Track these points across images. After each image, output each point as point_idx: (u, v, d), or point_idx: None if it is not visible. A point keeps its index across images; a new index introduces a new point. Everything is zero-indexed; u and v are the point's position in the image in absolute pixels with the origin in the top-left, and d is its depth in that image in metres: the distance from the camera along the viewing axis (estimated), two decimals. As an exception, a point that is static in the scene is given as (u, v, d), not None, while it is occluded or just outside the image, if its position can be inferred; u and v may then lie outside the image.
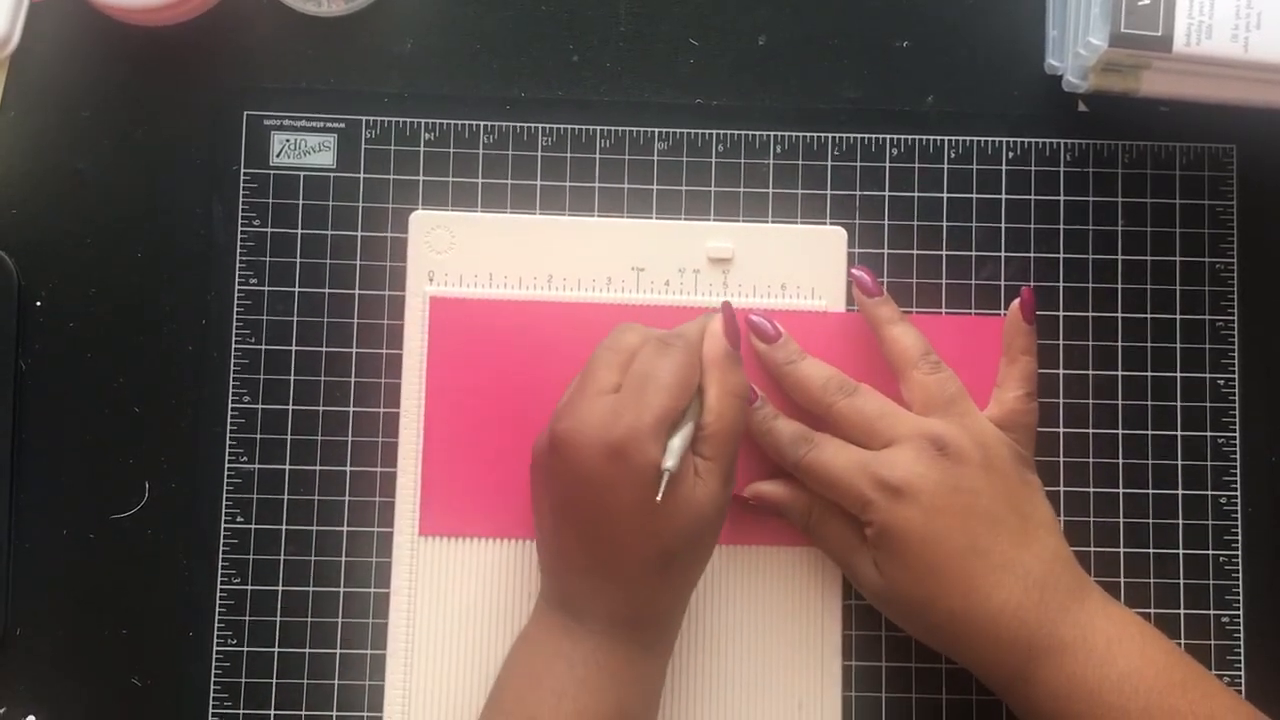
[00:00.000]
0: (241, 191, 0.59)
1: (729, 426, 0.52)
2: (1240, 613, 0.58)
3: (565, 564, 0.51)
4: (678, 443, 0.50)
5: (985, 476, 0.53)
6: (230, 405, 0.58)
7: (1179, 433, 0.59)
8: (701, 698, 0.57)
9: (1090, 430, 0.59)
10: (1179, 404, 0.59)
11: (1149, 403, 0.59)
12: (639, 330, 0.53)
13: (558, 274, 0.59)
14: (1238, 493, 0.59)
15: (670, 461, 0.49)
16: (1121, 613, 0.53)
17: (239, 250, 0.59)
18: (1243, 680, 0.58)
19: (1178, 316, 0.60)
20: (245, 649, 0.57)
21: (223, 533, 0.58)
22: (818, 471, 0.55)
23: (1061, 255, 0.60)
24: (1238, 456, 0.59)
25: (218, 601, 0.57)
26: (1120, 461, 0.59)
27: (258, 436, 0.58)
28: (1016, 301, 0.57)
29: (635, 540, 0.50)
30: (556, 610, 0.52)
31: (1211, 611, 0.58)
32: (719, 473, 0.51)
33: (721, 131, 0.60)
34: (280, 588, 0.57)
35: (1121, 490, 0.59)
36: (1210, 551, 0.59)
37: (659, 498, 0.48)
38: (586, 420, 0.50)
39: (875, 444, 0.54)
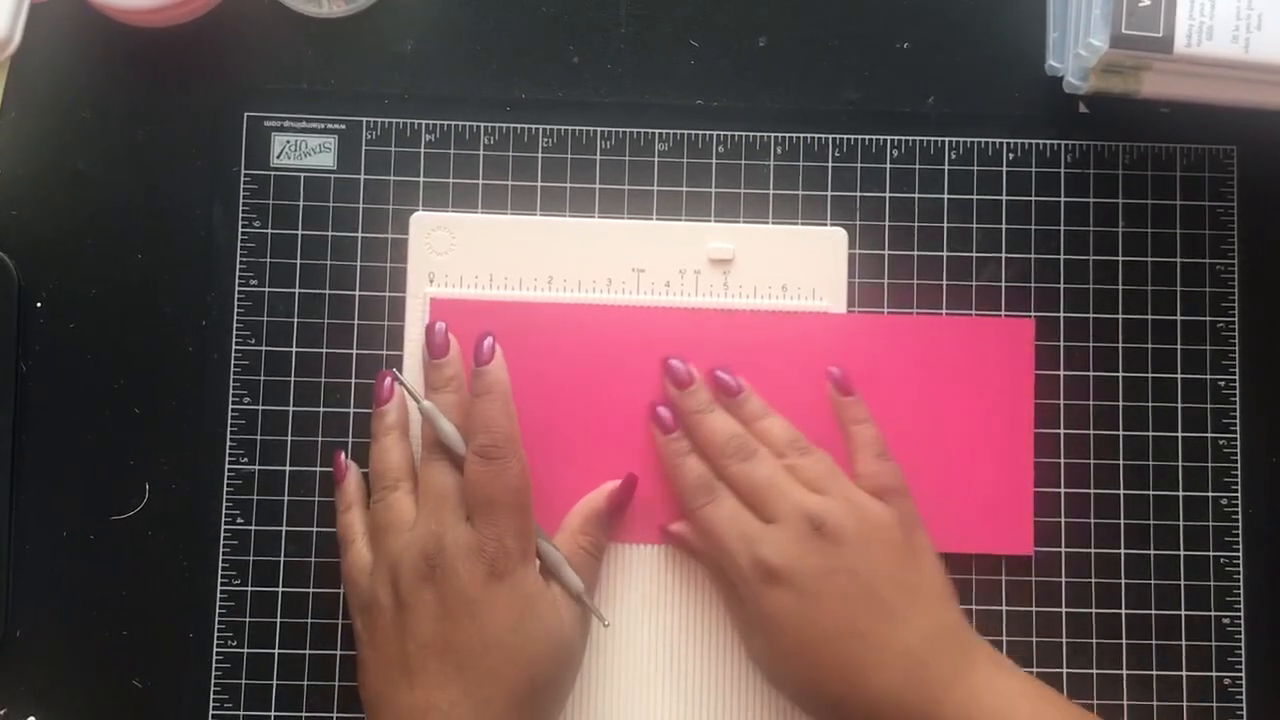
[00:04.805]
0: (242, 192, 0.59)
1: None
2: (1241, 614, 0.58)
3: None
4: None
5: (865, 552, 0.52)
6: (230, 406, 0.58)
7: (1179, 434, 0.59)
8: (700, 698, 0.57)
9: (1090, 432, 0.59)
10: (1179, 405, 0.59)
11: (1149, 404, 0.59)
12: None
13: (558, 275, 0.59)
14: (1238, 494, 0.59)
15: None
16: (1010, 683, 0.51)
17: (239, 251, 0.59)
18: (1243, 681, 0.58)
19: (1178, 318, 0.59)
20: (245, 650, 0.57)
21: (223, 534, 0.58)
22: (707, 531, 0.54)
23: (1062, 256, 0.60)
24: (1238, 458, 0.59)
25: (218, 603, 0.57)
26: (1121, 463, 0.59)
27: (258, 438, 0.58)
28: (831, 383, 0.57)
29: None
30: None
31: (1212, 613, 0.58)
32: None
33: (722, 133, 0.60)
34: (280, 589, 0.57)
35: (1122, 491, 0.59)
36: (1211, 553, 0.59)
37: None
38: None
39: (762, 515, 0.54)
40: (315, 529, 0.58)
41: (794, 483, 0.54)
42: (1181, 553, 0.58)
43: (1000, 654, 0.53)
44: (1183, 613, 0.58)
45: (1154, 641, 0.58)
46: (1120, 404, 0.59)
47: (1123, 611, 0.58)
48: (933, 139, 0.60)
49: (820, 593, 0.51)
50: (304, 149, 0.59)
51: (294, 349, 0.58)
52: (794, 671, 0.53)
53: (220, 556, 0.58)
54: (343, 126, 0.59)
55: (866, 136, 0.60)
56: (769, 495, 0.54)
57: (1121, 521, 0.59)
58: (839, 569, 0.52)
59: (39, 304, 0.59)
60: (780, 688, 0.55)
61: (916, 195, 0.60)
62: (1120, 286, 0.60)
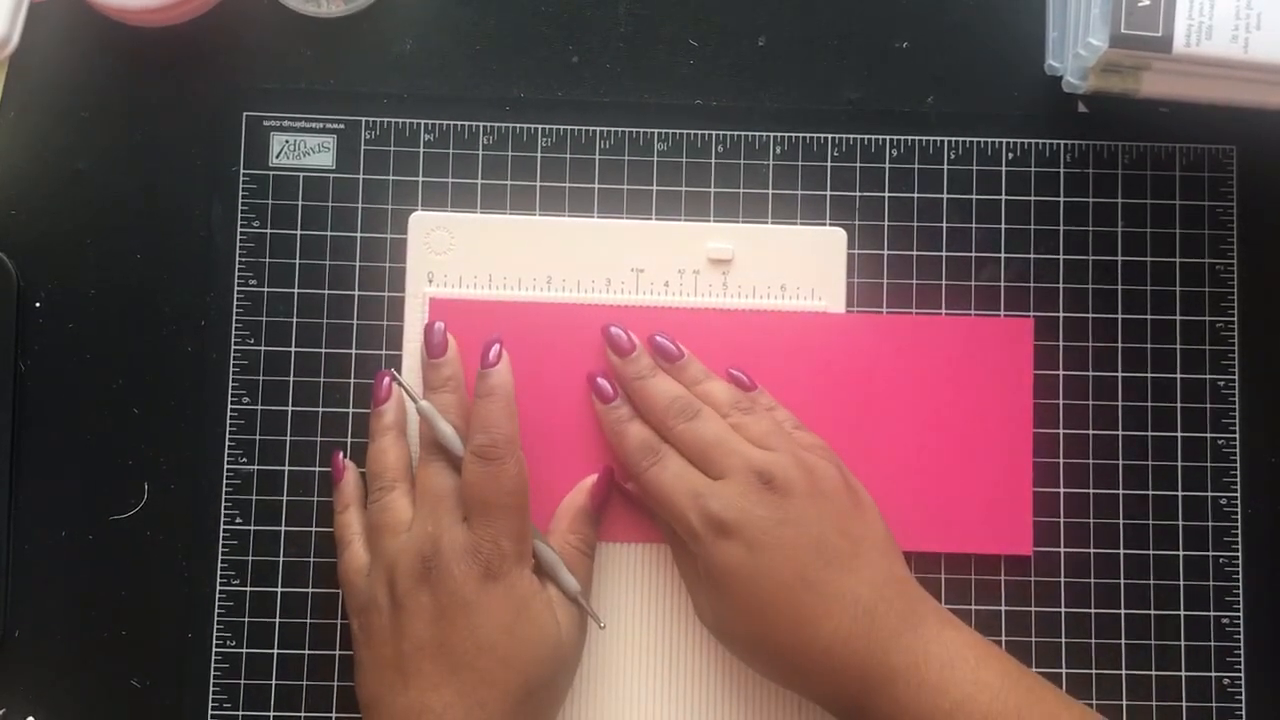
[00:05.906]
0: (241, 192, 0.59)
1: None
2: (1240, 614, 0.58)
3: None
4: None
5: (813, 504, 0.52)
6: (229, 406, 0.58)
7: (1179, 434, 0.59)
8: (701, 697, 0.57)
9: (1090, 431, 0.59)
10: (1179, 405, 0.59)
11: (1149, 404, 0.59)
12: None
13: (557, 275, 0.59)
14: (1238, 494, 0.59)
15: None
16: (958, 636, 0.51)
17: (238, 251, 0.59)
18: (1243, 680, 0.58)
19: (1178, 317, 0.59)
20: (244, 650, 0.57)
21: (222, 534, 0.58)
22: (654, 491, 0.54)
23: (1061, 256, 0.60)
24: (1238, 458, 0.59)
25: (217, 603, 0.57)
26: (1120, 463, 0.59)
27: (257, 437, 0.58)
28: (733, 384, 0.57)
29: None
30: None
31: (1211, 613, 0.58)
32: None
33: (721, 132, 0.60)
34: (279, 589, 0.57)
35: (1121, 492, 0.59)
36: (1210, 553, 0.59)
37: None
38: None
39: (711, 472, 0.54)
40: (314, 529, 0.58)
41: (741, 439, 0.54)
42: (1180, 553, 0.58)
43: (947, 611, 0.53)
44: (1182, 613, 0.58)
45: (1153, 642, 0.58)
46: (1119, 404, 0.59)
47: (1122, 612, 0.58)
48: (932, 139, 0.60)
49: (770, 544, 0.52)
50: (303, 149, 0.59)
51: (293, 349, 0.59)
52: (744, 625, 0.52)
53: (219, 556, 0.58)
54: (341, 126, 0.59)
55: (866, 136, 0.60)
56: (716, 452, 0.54)
57: (1120, 521, 0.59)
58: (788, 520, 0.52)
59: (38, 304, 0.59)
60: (730, 644, 0.55)
61: (915, 195, 0.60)
62: (1119, 286, 0.60)
